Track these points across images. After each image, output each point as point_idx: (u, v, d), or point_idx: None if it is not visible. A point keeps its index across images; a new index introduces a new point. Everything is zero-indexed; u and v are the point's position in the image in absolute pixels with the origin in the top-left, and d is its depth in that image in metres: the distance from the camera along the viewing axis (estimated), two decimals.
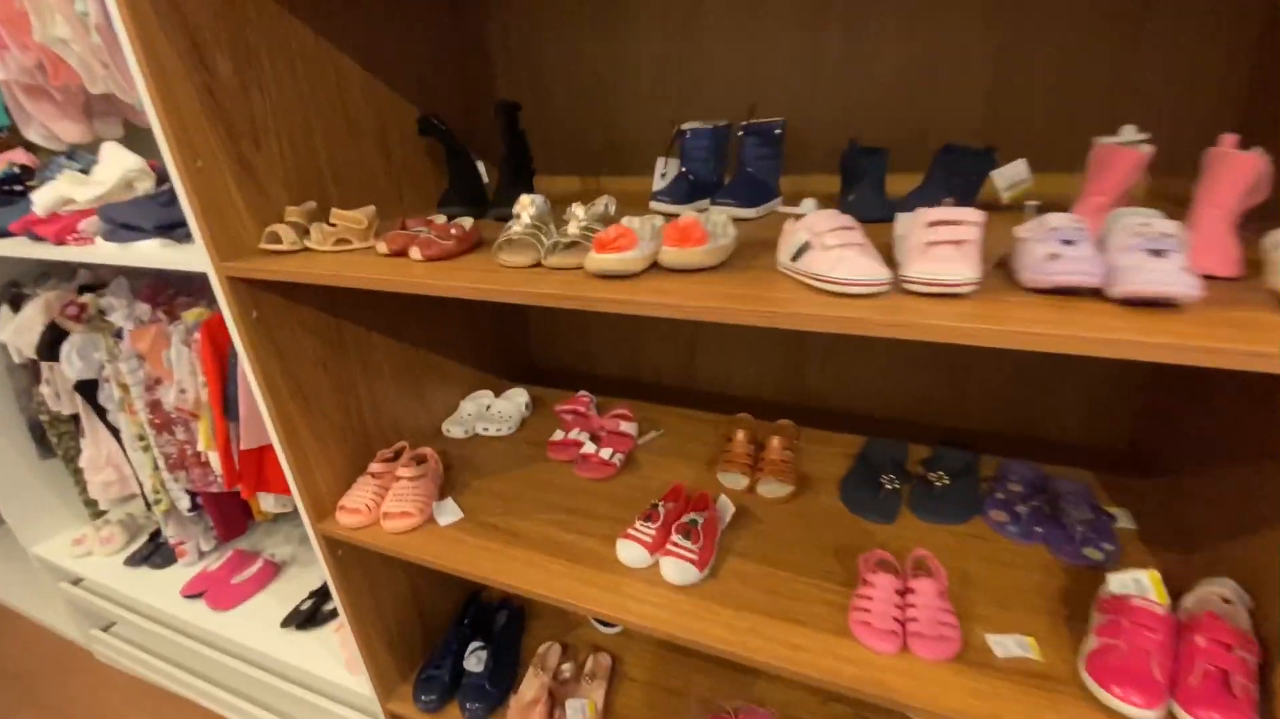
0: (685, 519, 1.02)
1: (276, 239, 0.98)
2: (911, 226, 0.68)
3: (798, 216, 0.73)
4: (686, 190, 1.11)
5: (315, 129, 1.08)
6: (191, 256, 0.99)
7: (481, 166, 1.23)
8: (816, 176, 1.21)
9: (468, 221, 1.00)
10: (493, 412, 1.45)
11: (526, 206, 0.88)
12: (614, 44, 1.29)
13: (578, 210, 0.85)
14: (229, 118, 0.95)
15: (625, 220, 0.82)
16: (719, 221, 0.83)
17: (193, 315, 1.41)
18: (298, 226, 1.01)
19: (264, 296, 1.02)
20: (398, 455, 1.27)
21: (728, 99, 1.24)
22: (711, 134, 1.10)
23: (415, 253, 0.89)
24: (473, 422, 1.43)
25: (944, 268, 0.62)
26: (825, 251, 0.66)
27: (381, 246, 0.92)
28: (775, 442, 1.20)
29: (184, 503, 1.66)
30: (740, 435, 1.23)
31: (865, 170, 1.00)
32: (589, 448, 1.27)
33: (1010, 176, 0.95)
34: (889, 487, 1.13)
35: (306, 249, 0.99)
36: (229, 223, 0.97)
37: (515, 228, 0.85)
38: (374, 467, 1.19)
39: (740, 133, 1.04)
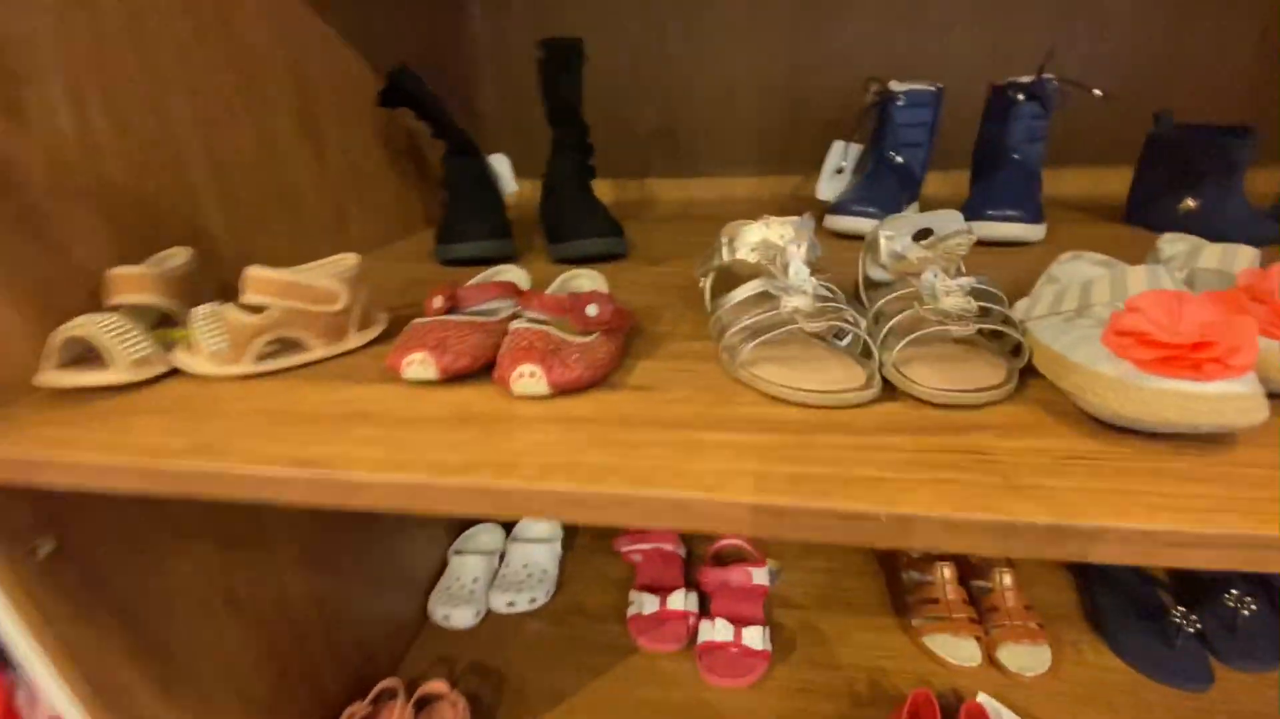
0: None
1: (87, 354, 0.38)
2: None
3: None
4: (893, 192, 0.65)
5: (172, 84, 0.47)
6: None
7: (506, 167, 0.67)
8: None
9: (599, 284, 0.46)
10: (513, 568, 0.88)
11: (789, 249, 0.37)
12: None
13: (928, 256, 0.37)
14: None
15: (1074, 272, 0.35)
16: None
17: None
18: (147, 314, 0.41)
19: (69, 499, 0.40)
20: (381, 700, 0.68)
21: (872, 53, 0.81)
22: (934, 100, 0.65)
23: (535, 380, 0.34)
24: (482, 593, 0.85)
25: None
26: None
27: (420, 366, 0.36)
28: (1007, 578, 0.78)
29: None
30: (947, 573, 0.80)
31: (1217, 160, 0.61)
32: (717, 630, 0.76)
33: None
34: (1190, 628, 0.76)
35: (176, 372, 0.40)
36: None
37: (795, 301, 0.35)
38: None
39: (1020, 96, 0.60)
